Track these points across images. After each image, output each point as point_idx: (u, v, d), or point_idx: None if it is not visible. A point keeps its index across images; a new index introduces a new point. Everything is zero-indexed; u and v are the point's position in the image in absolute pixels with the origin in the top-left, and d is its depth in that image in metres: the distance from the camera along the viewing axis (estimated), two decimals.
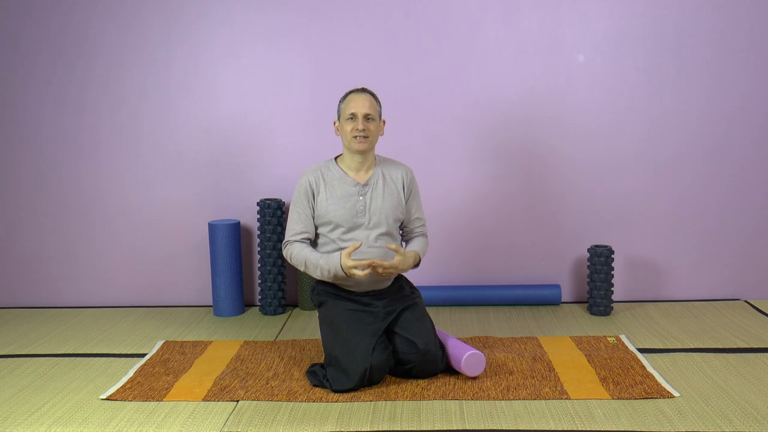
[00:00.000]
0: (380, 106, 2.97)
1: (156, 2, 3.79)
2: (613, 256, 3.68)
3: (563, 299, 3.93)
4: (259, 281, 3.82)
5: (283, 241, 2.99)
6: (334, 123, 2.99)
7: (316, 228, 2.96)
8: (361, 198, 2.92)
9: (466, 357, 2.78)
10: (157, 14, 3.80)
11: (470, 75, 3.79)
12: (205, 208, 3.94)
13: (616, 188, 3.86)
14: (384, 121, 3.00)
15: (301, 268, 2.91)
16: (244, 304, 3.89)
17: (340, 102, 2.96)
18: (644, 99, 3.79)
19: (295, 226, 2.93)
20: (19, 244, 4.01)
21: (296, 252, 2.90)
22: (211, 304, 3.90)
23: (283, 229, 3.80)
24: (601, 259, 3.64)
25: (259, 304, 3.86)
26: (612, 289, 3.68)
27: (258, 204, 3.79)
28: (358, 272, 2.74)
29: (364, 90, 2.95)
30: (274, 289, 3.78)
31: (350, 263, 2.75)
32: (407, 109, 3.80)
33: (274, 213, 3.74)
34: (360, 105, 2.88)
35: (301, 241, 2.93)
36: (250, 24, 3.80)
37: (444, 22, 3.76)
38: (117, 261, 4.00)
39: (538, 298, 3.83)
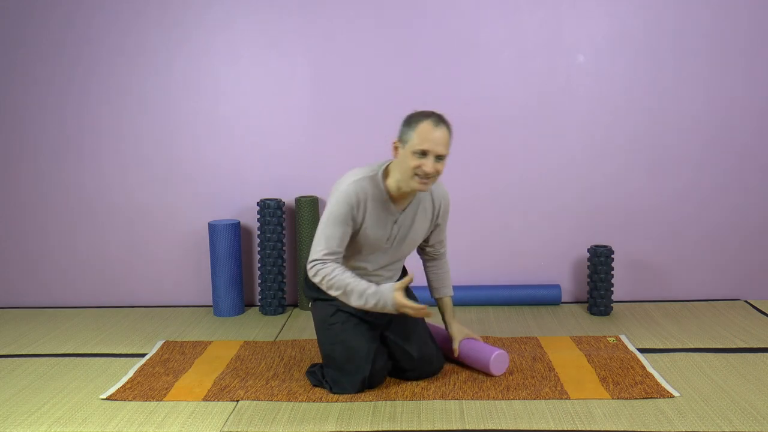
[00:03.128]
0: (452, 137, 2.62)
1: (157, 2, 3.79)
2: (613, 256, 3.68)
3: (563, 299, 3.93)
4: (259, 281, 3.82)
5: (314, 258, 2.62)
6: (395, 144, 2.61)
7: None
8: (394, 225, 2.70)
9: (494, 357, 2.78)
10: (157, 15, 3.79)
11: (470, 75, 3.79)
12: (205, 208, 3.94)
13: (616, 188, 3.85)
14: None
15: (335, 292, 2.60)
16: (244, 304, 3.89)
17: (409, 125, 2.57)
18: (644, 99, 3.78)
19: (333, 244, 2.60)
20: (19, 244, 4.01)
21: (337, 276, 2.57)
22: (211, 304, 3.90)
23: (284, 228, 3.80)
24: (601, 259, 3.64)
25: (259, 304, 3.86)
26: (612, 289, 3.68)
27: (258, 204, 3.79)
28: (409, 311, 2.54)
29: (441, 120, 2.56)
30: (274, 289, 3.78)
31: (404, 301, 2.52)
32: (407, 109, 3.77)
33: (274, 213, 3.73)
34: (436, 142, 2.52)
35: (336, 261, 2.62)
36: (250, 25, 3.79)
37: (444, 21, 3.76)
38: (117, 261, 4.00)
39: (538, 298, 3.83)
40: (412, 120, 2.58)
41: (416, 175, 2.55)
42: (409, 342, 2.78)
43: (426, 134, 2.52)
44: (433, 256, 2.97)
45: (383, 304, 2.54)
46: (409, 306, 2.53)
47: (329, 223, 2.61)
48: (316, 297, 2.83)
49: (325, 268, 2.58)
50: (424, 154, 2.53)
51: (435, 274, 2.98)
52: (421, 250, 2.96)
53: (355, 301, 2.57)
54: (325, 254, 2.60)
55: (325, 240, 2.61)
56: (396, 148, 2.62)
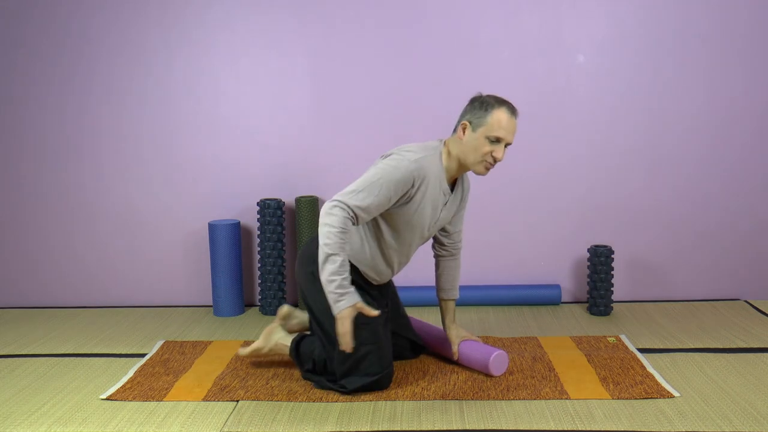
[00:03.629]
0: None
1: (157, 2, 3.79)
2: (613, 256, 3.68)
3: (563, 299, 3.93)
4: (259, 281, 3.83)
5: (344, 202, 2.42)
6: (464, 126, 2.56)
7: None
8: (444, 206, 2.67)
9: (494, 357, 2.79)
10: (158, 14, 3.79)
11: (470, 75, 3.79)
12: (205, 208, 3.94)
13: (616, 188, 3.86)
14: None
15: (323, 244, 2.39)
16: (244, 304, 3.89)
17: (484, 108, 2.54)
18: (644, 99, 3.79)
19: (369, 205, 2.43)
20: (19, 244, 4.01)
21: (343, 241, 2.39)
22: (211, 304, 3.90)
23: (284, 228, 3.80)
24: (601, 259, 3.64)
25: (259, 304, 3.86)
26: (612, 289, 3.68)
27: (258, 204, 3.79)
28: (340, 329, 2.43)
29: (514, 110, 2.58)
30: (274, 289, 3.78)
31: (348, 321, 2.41)
32: (407, 109, 3.80)
33: (274, 213, 3.73)
34: (510, 131, 2.54)
35: (352, 218, 2.43)
36: (250, 25, 3.79)
37: (444, 22, 3.76)
38: (117, 261, 3.99)
39: (538, 298, 3.83)
40: (487, 104, 2.55)
41: (484, 160, 2.56)
42: (410, 331, 2.95)
43: (502, 122, 2.52)
44: (451, 252, 2.93)
45: (338, 298, 2.40)
46: (346, 330, 2.42)
47: (378, 185, 2.44)
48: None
49: (343, 221, 2.40)
50: (497, 140, 2.54)
51: (448, 275, 2.94)
52: (440, 245, 2.92)
53: (325, 272, 2.39)
54: (357, 207, 2.43)
55: (365, 196, 2.43)
56: (464, 129, 2.57)
